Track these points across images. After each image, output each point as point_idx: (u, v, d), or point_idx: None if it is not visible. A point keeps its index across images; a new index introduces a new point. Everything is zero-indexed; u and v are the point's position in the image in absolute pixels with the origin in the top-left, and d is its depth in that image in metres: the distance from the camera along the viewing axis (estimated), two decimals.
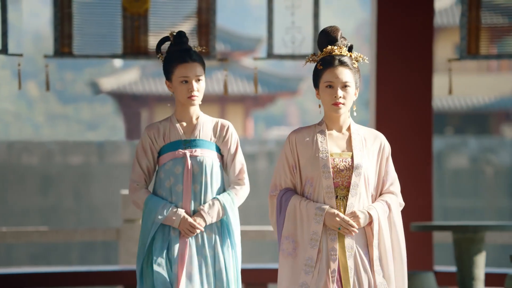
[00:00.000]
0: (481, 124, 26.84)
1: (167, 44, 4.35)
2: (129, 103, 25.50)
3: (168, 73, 4.35)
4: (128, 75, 24.93)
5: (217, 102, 23.81)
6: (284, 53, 6.47)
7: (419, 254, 6.72)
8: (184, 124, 4.38)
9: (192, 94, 4.30)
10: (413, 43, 6.70)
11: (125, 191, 8.86)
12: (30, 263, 17.33)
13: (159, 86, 24.54)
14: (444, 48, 25.31)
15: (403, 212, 3.96)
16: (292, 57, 6.50)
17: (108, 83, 25.14)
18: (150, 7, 6.20)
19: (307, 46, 6.47)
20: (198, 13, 6.31)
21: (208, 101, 23.38)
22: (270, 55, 6.46)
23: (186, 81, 4.31)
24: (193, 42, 6.39)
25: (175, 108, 4.42)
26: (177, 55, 4.30)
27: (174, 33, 4.36)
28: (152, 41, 6.29)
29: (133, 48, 6.29)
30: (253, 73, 6.41)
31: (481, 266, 6.05)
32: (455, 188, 18.79)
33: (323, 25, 6.72)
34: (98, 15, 6.38)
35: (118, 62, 30.73)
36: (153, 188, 4.37)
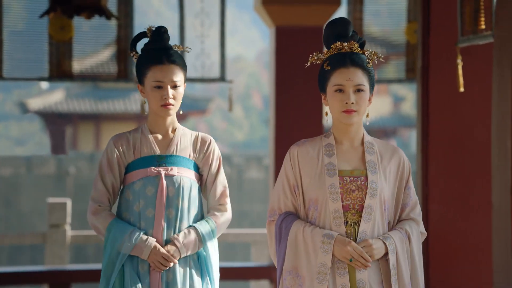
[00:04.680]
0: None
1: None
2: (54, 121, 25.02)
3: (140, 75, 3.22)
4: (53, 96, 24.47)
5: (135, 120, 23.61)
6: (195, 76, 6.46)
7: None
8: (159, 136, 3.24)
9: (166, 102, 3.17)
10: (307, 70, 6.78)
11: (52, 199, 8.67)
12: None
13: (82, 105, 24.17)
14: None
15: None
16: (202, 80, 6.50)
17: (35, 103, 24.62)
18: (74, 35, 6.12)
19: (215, 70, 6.49)
20: (117, 41, 6.25)
21: (127, 119, 23.16)
22: None
23: (160, 86, 3.17)
24: (112, 67, 6.32)
25: (148, 117, 3.27)
26: (153, 54, 3.17)
27: (153, 28, 3.22)
28: (76, 66, 6.20)
29: (59, 72, 6.19)
30: None
31: None
32: None
33: (229, 52, 6.75)
34: (26, 42, 6.27)
35: (44, 84, 30.13)
36: (117, 211, 3.26)
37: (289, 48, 6.78)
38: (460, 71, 4.35)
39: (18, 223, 17.63)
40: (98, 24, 6.24)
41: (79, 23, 6.17)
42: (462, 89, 4.36)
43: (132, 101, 22.87)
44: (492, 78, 4.00)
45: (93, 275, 6.99)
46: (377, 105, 27.55)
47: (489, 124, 4.10)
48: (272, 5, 6.71)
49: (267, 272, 6.87)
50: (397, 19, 6.47)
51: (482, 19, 4.26)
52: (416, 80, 5.19)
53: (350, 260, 2.77)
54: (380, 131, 27.54)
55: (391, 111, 27.82)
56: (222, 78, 6.48)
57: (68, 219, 8.39)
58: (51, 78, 6.24)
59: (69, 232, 8.31)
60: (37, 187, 17.83)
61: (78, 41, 6.20)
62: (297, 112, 6.82)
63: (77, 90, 24.34)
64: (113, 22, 6.19)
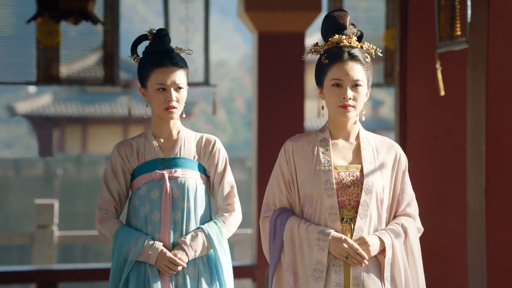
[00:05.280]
0: None
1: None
2: (42, 124, 24.91)
3: (142, 78, 3.10)
4: (41, 100, 24.37)
5: (121, 123, 23.56)
6: None
7: None
8: (162, 140, 3.14)
9: (170, 104, 3.09)
10: (288, 74, 6.81)
11: (39, 201, 8.64)
12: None
13: (69, 109, 24.09)
14: (313, 78, 25.77)
15: None
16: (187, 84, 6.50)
17: (23, 106, 24.51)
18: (61, 40, 6.11)
19: (199, 75, 6.49)
20: (103, 46, 6.24)
21: (113, 122, 23.10)
22: None
23: (164, 89, 3.09)
24: (99, 72, 6.31)
25: (151, 121, 3.19)
26: (155, 57, 3.07)
27: (154, 31, 3.14)
28: (63, 70, 6.18)
29: (46, 76, 6.17)
30: None
31: None
32: None
33: (212, 57, 6.76)
34: (14, 47, 6.25)
35: (32, 88, 30.01)
36: (126, 218, 3.13)
37: (271, 53, 6.80)
38: (440, 76, 4.38)
39: (6, 224, 17.55)
40: (85, 29, 6.23)
41: (67, 28, 6.16)
42: (443, 93, 4.39)
43: (118, 104, 22.82)
44: (467, 82, 4.03)
45: (80, 275, 6.97)
46: None
47: (465, 127, 4.13)
48: (254, 11, 6.73)
49: (250, 272, 6.87)
50: (376, 25, 6.51)
51: (458, 25, 4.30)
52: (394, 85, 5.22)
53: (346, 258, 2.64)
54: None
55: (370, 115, 27.94)
56: (206, 82, 6.48)
57: (55, 220, 8.37)
58: (38, 82, 6.22)
59: (56, 232, 8.29)
60: (25, 189, 17.75)
61: (65, 46, 6.18)
62: (279, 115, 6.84)
63: (64, 94, 24.26)
64: (99, 28, 6.18)
